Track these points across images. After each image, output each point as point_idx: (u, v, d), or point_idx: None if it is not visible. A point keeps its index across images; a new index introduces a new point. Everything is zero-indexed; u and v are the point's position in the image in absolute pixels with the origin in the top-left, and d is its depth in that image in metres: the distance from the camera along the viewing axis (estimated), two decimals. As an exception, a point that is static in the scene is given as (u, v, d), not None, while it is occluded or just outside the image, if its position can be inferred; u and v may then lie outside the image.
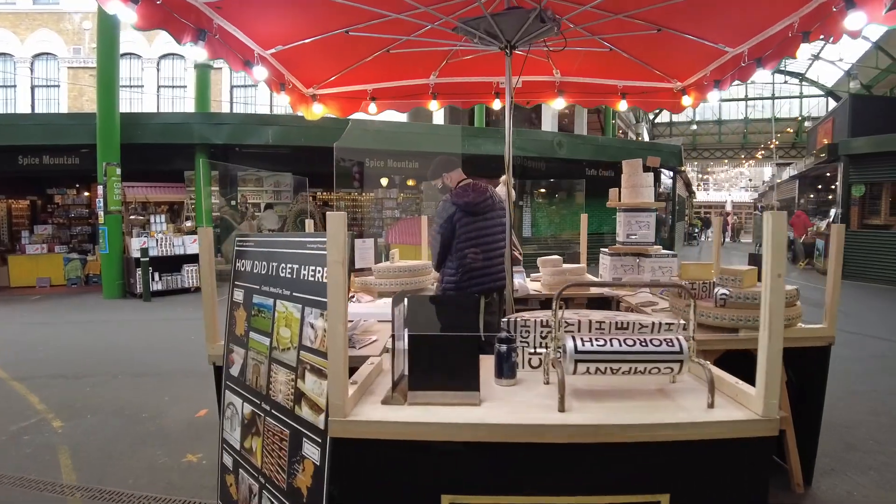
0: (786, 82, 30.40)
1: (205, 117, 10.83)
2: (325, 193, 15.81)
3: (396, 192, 15.08)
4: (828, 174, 15.12)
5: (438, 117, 18.01)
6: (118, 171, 9.68)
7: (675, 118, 35.24)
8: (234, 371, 2.19)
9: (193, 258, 10.22)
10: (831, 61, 26.18)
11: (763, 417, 1.57)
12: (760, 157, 30.98)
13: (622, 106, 4.76)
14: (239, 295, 2.24)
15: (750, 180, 44.55)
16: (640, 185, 4.23)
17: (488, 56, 4.21)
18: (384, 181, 15.25)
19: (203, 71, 10.97)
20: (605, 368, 1.68)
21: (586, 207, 14.47)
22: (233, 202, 11.65)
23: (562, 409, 1.61)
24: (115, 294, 9.73)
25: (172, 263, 10.12)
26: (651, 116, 34.08)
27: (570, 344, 1.69)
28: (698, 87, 4.47)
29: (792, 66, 29.51)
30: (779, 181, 23.50)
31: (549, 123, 18.75)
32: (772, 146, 27.09)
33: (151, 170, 10.99)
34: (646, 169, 4.51)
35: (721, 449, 1.58)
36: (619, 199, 4.36)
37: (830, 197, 16.04)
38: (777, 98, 31.44)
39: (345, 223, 1.48)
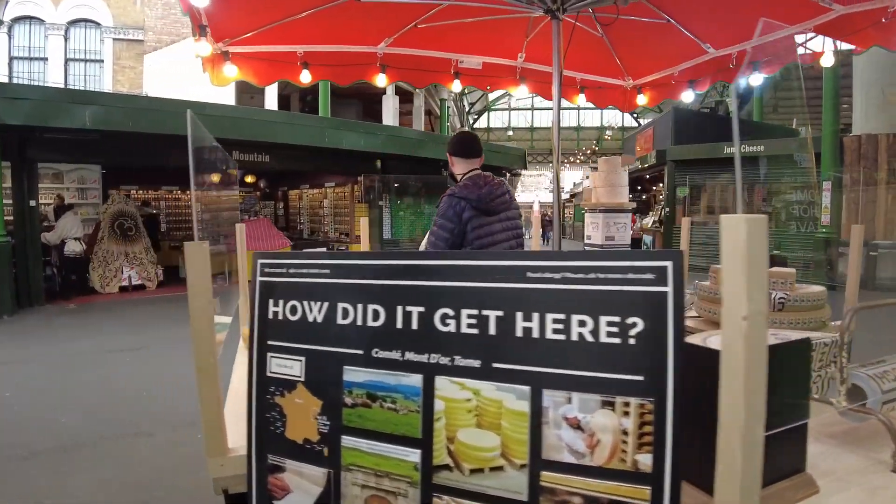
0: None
1: (-9, 88, 8.02)
2: (141, 192, 13.30)
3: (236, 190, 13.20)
4: (647, 177, 17.04)
5: (270, 102, 16.35)
6: None
7: (493, 124, 37.26)
8: (298, 504, 1.23)
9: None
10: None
11: None
12: (579, 161, 34.25)
13: (580, 99, 4.43)
14: (291, 367, 1.27)
15: (550, 182, 49.51)
16: (619, 184, 3.90)
17: (448, 28, 3.55)
18: (215, 177, 13.23)
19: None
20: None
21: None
22: (32, 202, 8.86)
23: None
24: None
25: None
26: (471, 121, 35.64)
27: (871, 385, 1.29)
28: (662, 85, 4.32)
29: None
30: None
31: (390, 118, 18.16)
32: (588, 151, 30.18)
33: None
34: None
35: None
36: (592, 199, 4.00)
37: (644, 197, 18.14)
38: (582, 109, 35.09)
39: (766, 229, 0.74)
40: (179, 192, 13.77)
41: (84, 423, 4.10)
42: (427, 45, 3.82)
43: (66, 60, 14.94)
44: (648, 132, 17.58)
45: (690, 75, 4.06)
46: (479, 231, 2.66)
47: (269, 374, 1.28)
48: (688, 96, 4.14)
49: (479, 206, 2.66)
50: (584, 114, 35.21)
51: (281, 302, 1.29)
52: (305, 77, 3.55)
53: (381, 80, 3.80)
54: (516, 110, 35.39)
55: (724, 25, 3.54)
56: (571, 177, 39.46)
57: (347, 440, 1.18)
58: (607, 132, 33.89)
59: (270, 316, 1.30)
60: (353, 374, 1.18)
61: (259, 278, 1.33)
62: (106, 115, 8.34)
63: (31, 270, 8.80)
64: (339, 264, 1.24)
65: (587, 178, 30.36)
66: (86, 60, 15.17)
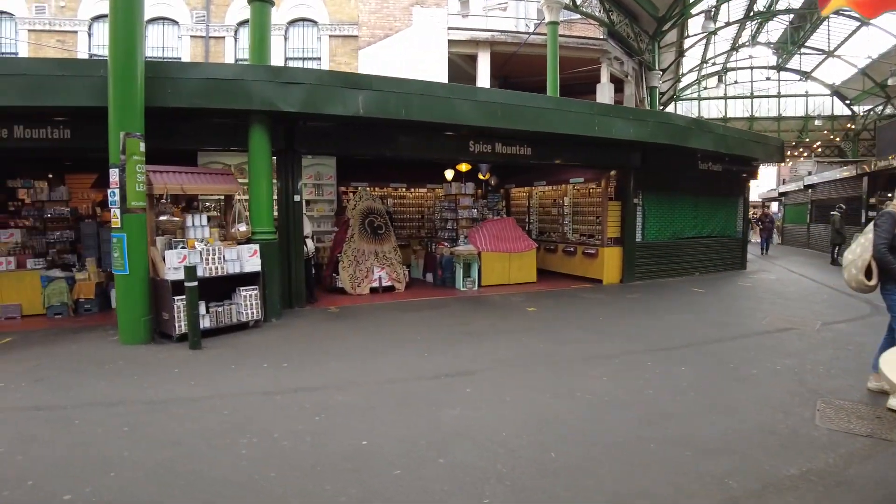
0: (800, 80, 29.68)
1: (269, 72, 7.34)
2: (375, 188, 12.75)
3: (473, 187, 12.18)
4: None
5: (483, 80, 15.44)
6: (142, 146, 6.38)
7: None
8: None
9: (251, 278, 7.10)
10: (838, 57, 25.40)
11: None
12: (806, 155, 29.99)
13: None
14: None
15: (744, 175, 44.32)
16: None
17: None
18: (449, 174, 12.36)
19: (260, 7, 7.67)
20: None
21: (695, 205, 12.06)
22: (297, 197, 8.40)
23: None
24: (140, 337, 6.38)
25: (222, 287, 6.92)
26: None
27: None
28: None
29: (793, 63, 28.73)
30: (819, 180, 22.31)
31: (606, 95, 16.34)
32: (818, 144, 26.27)
33: (180, 148, 7.73)
34: None
35: None
36: None
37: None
38: (783, 96, 30.61)
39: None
40: (404, 189, 13.14)
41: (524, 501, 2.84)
42: None
43: (286, 59, 15.10)
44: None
45: None
46: None
47: None
48: None
49: None
50: (784, 102, 30.71)
51: None
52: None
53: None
54: (707, 100, 31.75)
55: None
56: (767, 174, 34.80)
57: None
58: (816, 121, 29.12)
59: None
60: None
61: None
62: (379, 101, 7.53)
63: (294, 270, 8.31)
64: None
65: (809, 173, 26.19)
66: (304, 59, 15.26)
